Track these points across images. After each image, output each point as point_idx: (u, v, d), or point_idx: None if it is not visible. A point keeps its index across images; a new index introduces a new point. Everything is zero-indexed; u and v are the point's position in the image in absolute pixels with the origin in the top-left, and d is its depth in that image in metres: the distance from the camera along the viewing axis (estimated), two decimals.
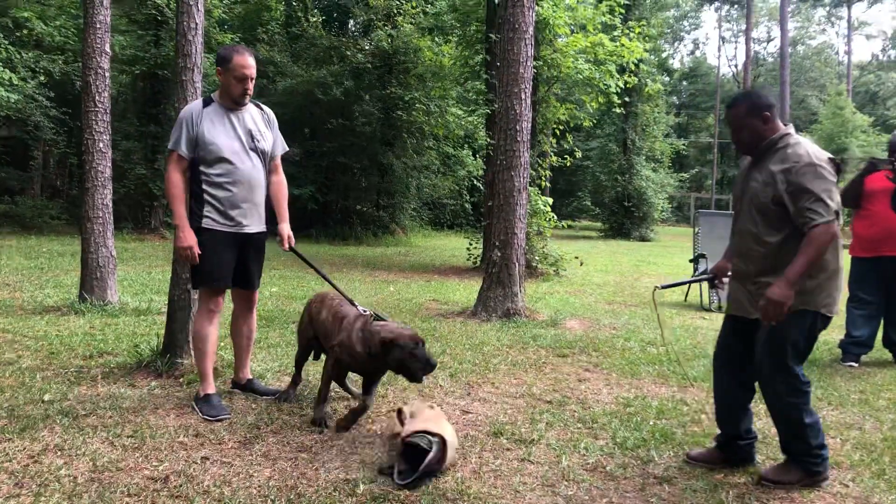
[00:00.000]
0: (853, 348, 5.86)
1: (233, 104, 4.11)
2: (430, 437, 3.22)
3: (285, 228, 4.31)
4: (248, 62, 4.04)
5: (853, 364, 5.80)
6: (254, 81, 4.10)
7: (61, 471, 3.14)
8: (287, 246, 4.28)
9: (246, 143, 4.09)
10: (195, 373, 4.49)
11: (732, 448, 3.49)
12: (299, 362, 4.43)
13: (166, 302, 7.05)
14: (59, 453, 3.34)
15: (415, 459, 3.15)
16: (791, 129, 3.27)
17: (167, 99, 15.91)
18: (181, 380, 4.55)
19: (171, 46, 15.25)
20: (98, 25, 6.68)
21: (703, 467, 3.46)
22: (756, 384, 3.41)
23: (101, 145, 6.77)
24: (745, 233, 3.30)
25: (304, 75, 17.45)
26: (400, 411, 3.57)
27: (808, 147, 3.14)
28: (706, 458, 3.53)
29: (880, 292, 5.85)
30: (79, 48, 14.75)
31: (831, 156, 3.16)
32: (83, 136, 6.78)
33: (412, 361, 3.60)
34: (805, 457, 3.23)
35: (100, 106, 6.75)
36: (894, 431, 4.10)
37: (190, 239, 3.96)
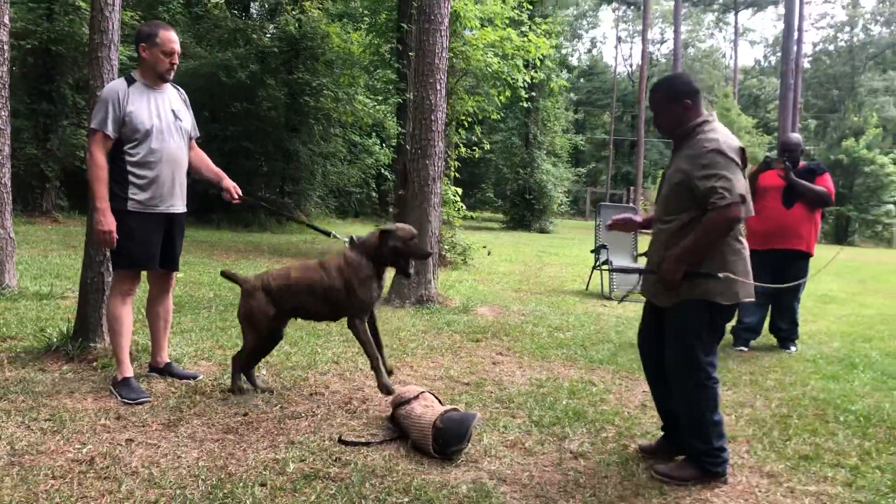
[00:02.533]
0: (744, 334, 6.31)
1: (157, 81, 4.05)
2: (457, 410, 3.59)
3: (228, 183, 4.33)
4: (174, 37, 4.03)
5: (743, 349, 6.25)
6: (178, 56, 4.07)
7: None
8: (237, 195, 4.29)
9: (171, 122, 4.05)
10: (109, 357, 4.41)
11: (675, 429, 3.45)
12: (256, 358, 4.27)
13: (69, 286, 6.87)
14: None
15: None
16: (712, 115, 3.27)
17: (61, 76, 15.13)
18: (94, 364, 4.44)
19: (66, 21, 14.50)
20: None
21: (653, 459, 3.43)
22: None
23: None
24: (658, 219, 3.33)
25: (207, 57, 16.97)
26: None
27: (721, 134, 3.14)
28: (655, 448, 3.52)
29: (769, 283, 6.30)
30: None
31: (742, 146, 3.18)
32: None
33: (407, 250, 3.90)
34: (704, 456, 3.19)
35: None
36: (781, 408, 4.49)
37: (111, 223, 3.88)
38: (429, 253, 4.06)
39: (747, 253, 3.26)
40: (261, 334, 4.09)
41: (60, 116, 15.13)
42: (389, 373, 4.00)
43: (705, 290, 3.13)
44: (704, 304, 3.15)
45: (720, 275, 3.10)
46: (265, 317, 4.05)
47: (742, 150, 3.14)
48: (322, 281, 3.95)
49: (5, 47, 6.50)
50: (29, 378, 4.13)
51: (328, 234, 4.38)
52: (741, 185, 3.04)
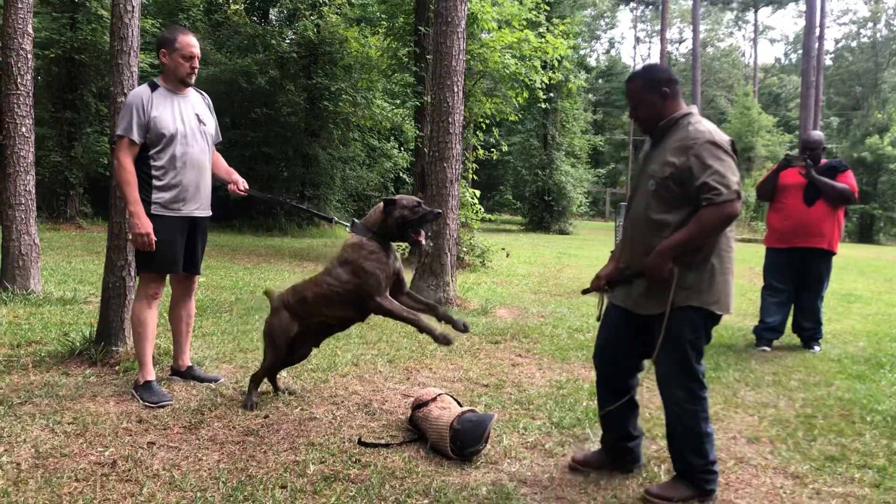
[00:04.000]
0: (766, 333, 6.25)
1: (179, 86, 4.10)
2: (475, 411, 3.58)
3: (236, 176, 4.35)
4: (193, 41, 4.07)
5: (766, 348, 6.18)
6: (198, 61, 4.11)
7: (3, 458, 3.09)
8: (243, 188, 4.30)
9: (195, 127, 4.09)
10: (131, 360, 4.45)
11: (620, 450, 3.29)
12: (275, 371, 4.16)
13: (91, 291, 6.95)
14: None
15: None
16: (694, 109, 3.08)
17: (84, 84, 15.32)
18: (117, 367, 4.48)
19: (88, 30, 14.69)
20: (20, 5, 6.44)
21: (586, 472, 3.25)
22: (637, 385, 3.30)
23: (23, 129, 6.54)
24: (639, 219, 3.07)
25: (227, 63, 17.12)
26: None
27: (709, 126, 2.96)
28: (592, 461, 3.31)
29: (792, 281, 6.24)
30: None
31: (730, 139, 2.99)
32: (4, 120, 6.53)
33: (415, 216, 3.73)
34: (700, 473, 2.98)
35: (22, 89, 6.51)
36: (806, 408, 4.43)
37: (147, 225, 3.91)
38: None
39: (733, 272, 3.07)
40: (279, 352, 4.00)
41: (84, 124, 15.33)
42: (441, 317, 3.81)
43: (702, 298, 2.95)
44: (701, 311, 2.96)
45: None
46: (286, 335, 3.95)
47: (732, 143, 2.97)
48: (336, 284, 3.74)
49: (29, 56, 6.61)
50: (53, 382, 4.18)
51: (330, 220, 4.35)
52: (736, 179, 2.86)
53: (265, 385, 4.20)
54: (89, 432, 3.44)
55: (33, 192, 6.69)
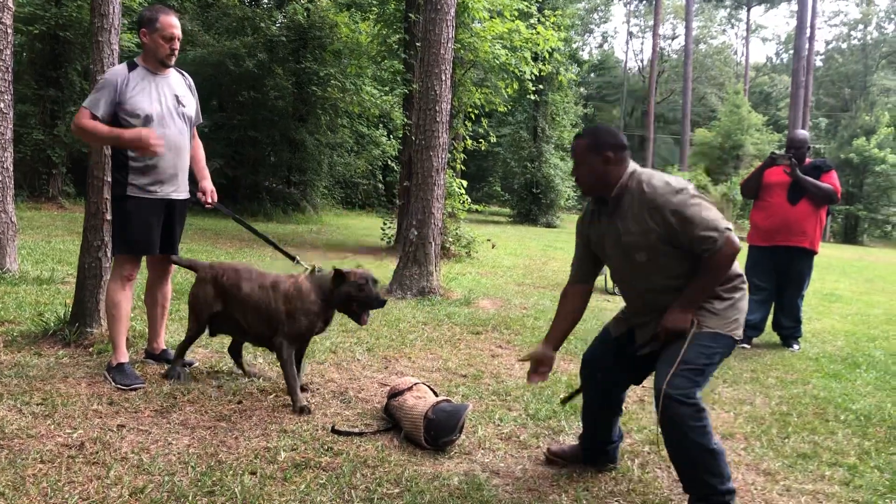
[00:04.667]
0: (746, 331, 6.24)
1: (159, 66, 4.02)
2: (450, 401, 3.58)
3: (207, 185, 4.29)
4: (174, 21, 3.99)
5: (745, 346, 6.20)
6: (179, 41, 4.03)
7: None
8: (210, 200, 4.25)
9: (173, 108, 4.02)
10: (105, 342, 4.40)
11: (597, 450, 3.26)
12: (192, 341, 4.16)
13: (70, 271, 6.86)
14: None
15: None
16: (634, 166, 2.93)
17: (69, 62, 15.13)
18: (91, 349, 4.42)
19: (74, 7, 14.49)
20: None
21: (560, 464, 3.27)
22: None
23: (1, 106, 6.42)
24: (649, 292, 2.95)
25: (215, 45, 16.96)
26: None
27: (662, 177, 2.85)
28: (567, 454, 3.30)
29: (773, 279, 6.25)
30: None
31: (686, 180, 2.92)
32: None
33: (361, 296, 3.71)
34: (720, 495, 2.73)
35: (0, 64, 6.40)
36: (781, 406, 4.44)
37: (135, 131, 3.80)
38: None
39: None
40: (201, 324, 4.05)
41: (68, 102, 15.13)
42: (303, 389, 3.94)
43: (733, 327, 2.85)
44: (720, 336, 2.82)
45: None
46: (209, 309, 4.01)
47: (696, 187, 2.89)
48: (268, 301, 3.85)
49: (9, 31, 6.49)
50: (24, 362, 4.12)
51: (293, 258, 4.28)
52: (719, 216, 2.76)
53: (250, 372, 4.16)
54: (58, 413, 3.39)
55: (11, 169, 6.59)
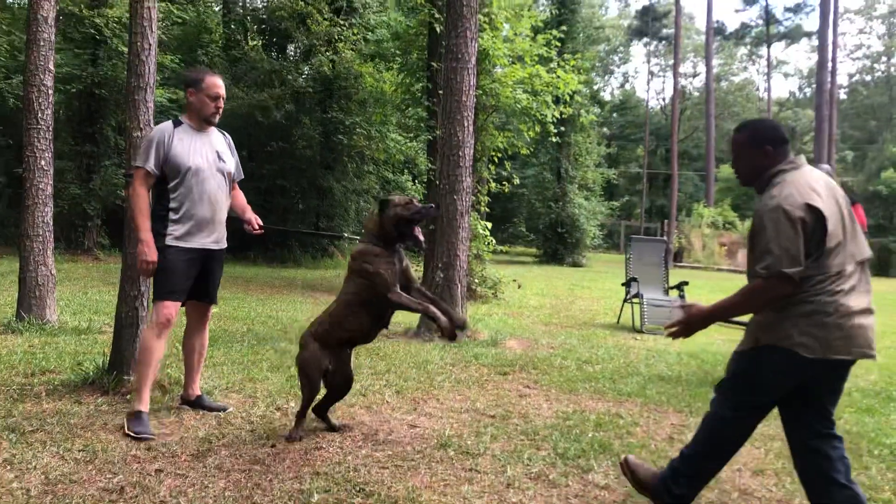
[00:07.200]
0: None
1: (202, 124, 4.25)
2: None
3: (250, 215, 4.53)
4: (219, 82, 4.25)
5: None
6: (223, 101, 4.25)
7: (13, 484, 3.15)
8: (257, 226, 4.50)
9: (213, 163, 4.21)
10: None
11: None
12: (311, 403, 4.11)
13: (106, 321, 7.05)
14: (8, 467, 3.34)
15: None
16: (792, 162, 2.96)
17: (104, 118, 15.65)
18: (128, 396, 4.53)
19: (109, 66, 15.04)
20: (42, 43, 6.64)
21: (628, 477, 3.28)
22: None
23: (42, 163, 6.71)
24: None
25: (244, 98, 17.41)
26: None
27: (788, 188, 2.80)
28: (639, 471, 3.26)
29: None
30: (11, 64, 14.44)
31: (811, 202, 2.73)
32: (24, 153, 6.70)
33: (409, 213, 3.88)
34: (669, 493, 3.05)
35: (42, 124, 6.69)
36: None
37: (153, 254, 4.03)
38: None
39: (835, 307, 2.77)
40: (314, 386, 4.05)
41: (103, 157, 15.63)
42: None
43: (769, 336, 2.86)
44: (765, 349, 2.88)
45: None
46: (318, 366, 4.02)
47: (809, 207, 2.73)
48: (349, 293, 3.95)
49: (50, 92, 6.80)
50: (65, 410, 4.25)
51: (340, 237, 4.49)
52: (790, 255, 2.68)
53: (282, 416, 4.23)
54: (98, 459, 3.50)
55: (51, 223, 6.84)
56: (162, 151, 4.08)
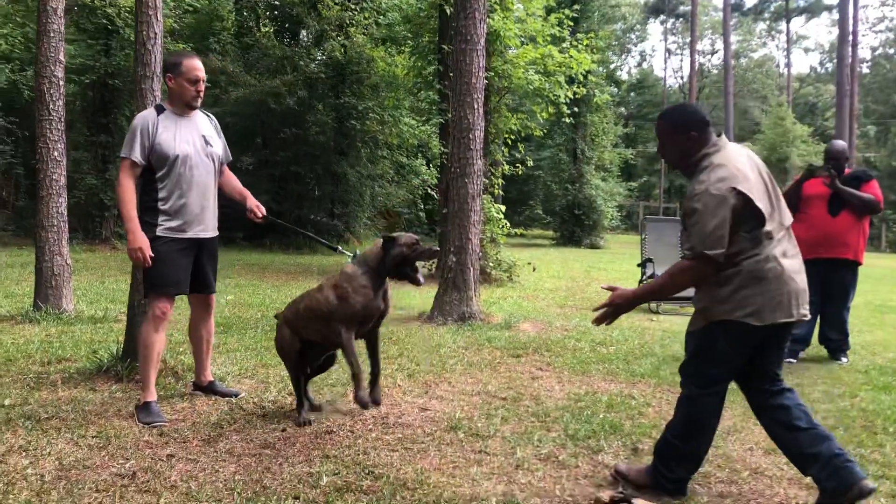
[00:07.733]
0: (792, 345, 6.15)
1: (185, 109, 4.19)
2: None
3: (252, 201, 4.43)
4: (198, 64, 4.16)
5: (792, 360, 6.10)
6: (204, 84, 4.21)
7: (28, 470, 3.20)
8: (260, 215, 4.40)
9: (200, 149, 4.18)
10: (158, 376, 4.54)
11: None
12: (298, 385, 4.16)
13: (122, 310, 7.11)
14: (23, 454, 3.39)
15: None
16: (715, 142, 3.05)
17: (118, 108, 15.74)
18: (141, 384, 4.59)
19: (122, 56, 15.10)
20: (52, 34, 6.67)
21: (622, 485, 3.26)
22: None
23: (55, 154, 6.76)
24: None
25: (256, 85, 17.44)
26: None
27: (716, 172, 2.89)
28: (630, 476, 3.30)
29: (817, 292, 6.15)
30: (26, 57, 14.55)
31: (735, 185, 2.84)
32: (37, 145, 6.76)
33: (412, 254, 3.85)
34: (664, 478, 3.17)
35: (54, 115, 6.74)
36: (828, 420, 4.36)
37: (141, 240, 3.97)
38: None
39: (782, 272, 2.98)
40: (293, 365, 4.13)
41: (118, 147, 15.57)
42: (372, 384, 4.00)
43: (717, 311, 3.00)
44: (716, 324, 3.02)
45: None
46: (292, 348, 4.10)
47: (735, 191, 2.83)
48: (322, 301, 3.91)
49: (61, 83, 6.84)
50: (80, 397, 4.31)
51: (334, 248, 4.47)
52: (715, 237, 2.80)
53: (293, 401, 4.22)
54: (112, 445, 3.55)
55: (65, 214, 6.90)
56: (147, 140, 4.03)
